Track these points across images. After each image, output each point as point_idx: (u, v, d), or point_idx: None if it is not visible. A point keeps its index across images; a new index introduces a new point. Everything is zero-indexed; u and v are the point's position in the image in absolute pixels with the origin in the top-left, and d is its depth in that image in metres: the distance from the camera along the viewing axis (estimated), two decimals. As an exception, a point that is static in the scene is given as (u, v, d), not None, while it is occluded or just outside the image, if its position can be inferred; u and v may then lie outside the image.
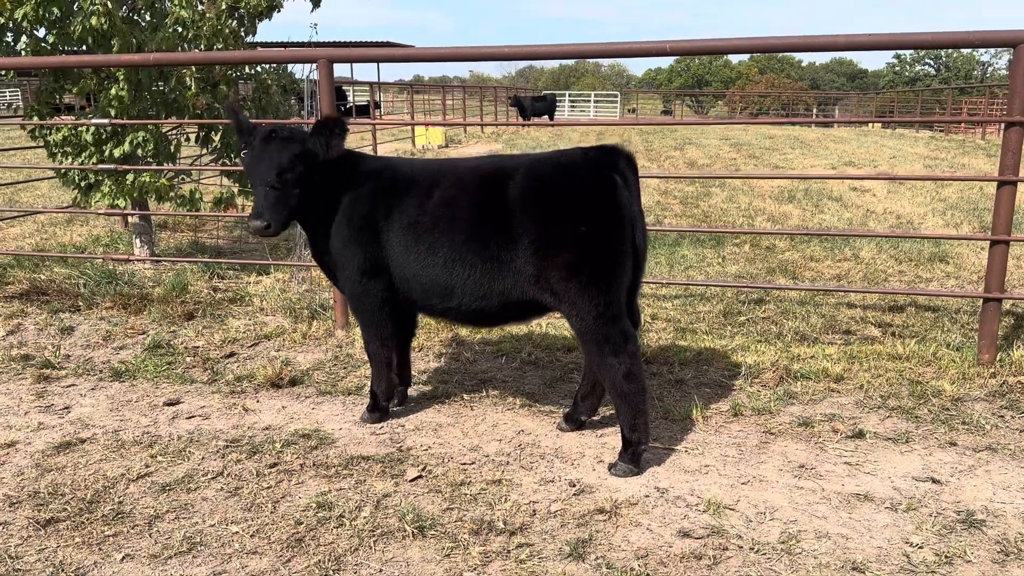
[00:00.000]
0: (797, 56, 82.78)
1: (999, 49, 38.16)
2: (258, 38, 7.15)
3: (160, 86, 6.48)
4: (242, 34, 7.15)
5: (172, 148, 7.19)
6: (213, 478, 3.51)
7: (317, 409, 4.30)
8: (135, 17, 6.34)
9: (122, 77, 6.18)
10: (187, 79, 6.33)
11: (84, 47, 6.20)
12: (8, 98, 48.15)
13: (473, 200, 3.59)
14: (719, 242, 8.54)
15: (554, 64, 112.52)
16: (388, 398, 4.13)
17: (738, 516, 3.22)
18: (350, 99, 35.76)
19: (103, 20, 5.79)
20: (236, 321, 5.80)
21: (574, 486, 3.45)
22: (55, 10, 5.96)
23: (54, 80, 6.83)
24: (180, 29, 6.22)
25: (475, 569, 2.86)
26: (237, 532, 3.07)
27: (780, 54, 76.08)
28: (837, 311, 5.98)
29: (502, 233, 3.48)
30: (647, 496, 3.38)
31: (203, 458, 3.71)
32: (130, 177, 6.67)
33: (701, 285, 6.53)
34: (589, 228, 3.39)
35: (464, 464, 3.65)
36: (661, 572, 2.86)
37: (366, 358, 4.76)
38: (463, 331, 5.43)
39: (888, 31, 4.56)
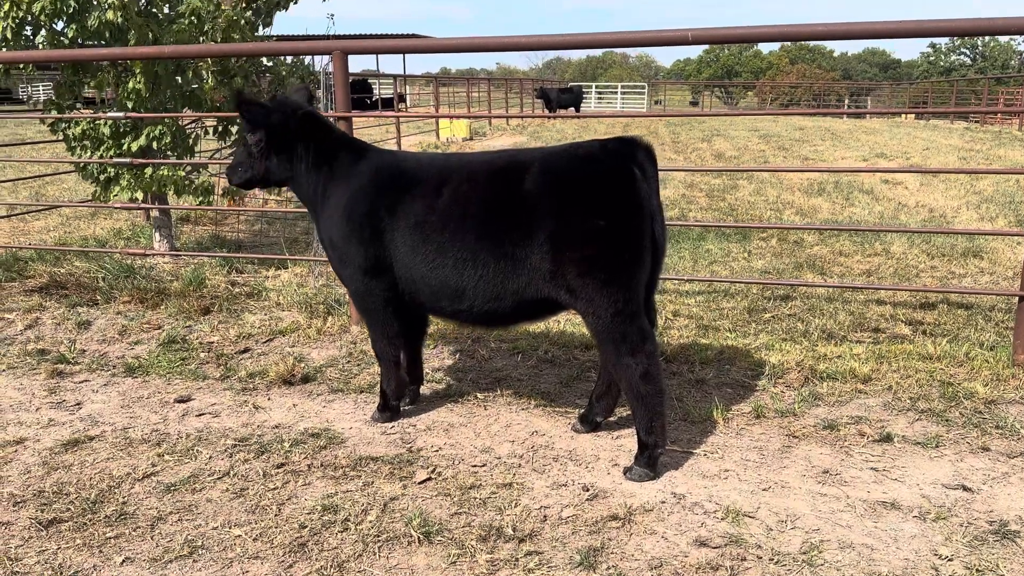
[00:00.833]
0: (828, 46, 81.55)
1: (1038, 37, 37.25)
2: (275, 32, 7.10)
3: (178, 80, 6.43)
4: (259, 26, 7.10)
5: (191, 142, 7.17)
6: (219, 478, 3.45)
7: (328, 407, 4.23)
8: (152, 10, 6.29)
9: (139, 70, 6.14)
10: (204, 72, 6.28)
11: (101, 40, 6.17)
12: (42, 93, 48.86)
13: (485, 196, 3.46)
14: (745, 236, 8.35)
15: (581, 56, 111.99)
16: (398, 397, 4.04)
17: (758, 524, 3.09)
18: (376, 92, 35.82)
19: (118, 13, 5.76)
20: (252, 316, 5.75)
21: (587, 491, 3.34)
22: (72, 3, 5.94)
23: (73, 74, 6.83)
24: (196, 21, 6.17)
25: (482, 578, 2.77)
26: (240, 535, 3.00)
27: (811, 44, 75.02)
28: (866, 308, 5.79)
29: (516, 229, 3.35)
30: (663, 502, 3.26)
31: (210, 457, 3.65)
32: (148, 171, 6.64)
33: (724, 281, 6.37)
34: (607, 222, 3.26)
35: (475, 466, 3.55)
36: (675, 583, 2.74)
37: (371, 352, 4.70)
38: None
39: (921, 18, 4.37)
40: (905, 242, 7.95)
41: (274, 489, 3.35)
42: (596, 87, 50.78)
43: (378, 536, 3.00)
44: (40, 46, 6.18)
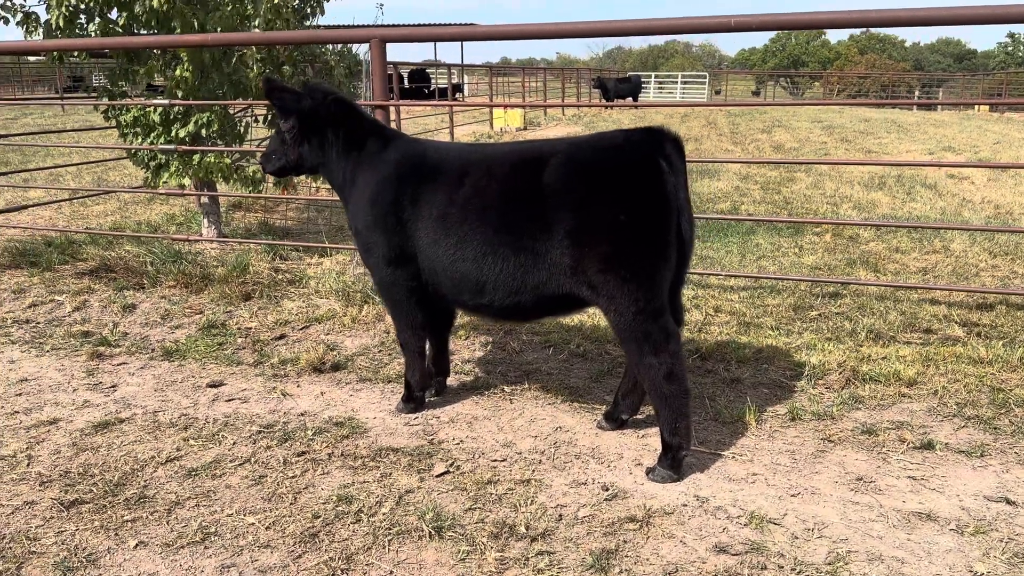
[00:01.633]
0: (900, 35, 78.95)
1: None
2: (325, 21, 7.11)
3: (226, 66, 6.50)
4: (308, 13, 7.13)
5: (240, 129, 7.26)
6: (240, 464, 3.47)
7: (355, 396, 4.22)
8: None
9: (186, 58, 6.23)
10: (249, 60, 6.34)
11: (149, 28, 6.27)
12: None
13: (506, 187, 3.38)
14: (797, 230, 8.10)
15: (643, 45, 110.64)
16: (423, 388, 4.01)
17: (783, 532, 2.97)
18: (434, 81, 35.94)
19: (163, 1, 5.83)
20: (290, 303, 5.80)
21: (607, 490, 3.25)
22: (122, -9, 6.05)
23: (128, 62, 6.96)
24: (239, 8, 6.22)
25: (490, 576, 2.72)
26: (253, 523, 3.01)
27: (882, 34, 72.71)
28: (919, 308, 5.55)
29: (537, 222, 3.27)
30: (685, 505, 3.15)
31: (234, 443, 3.67)
32: (196, 158, 6.74)
33: (768, 278, 6.18)
34: (630, 216, 3.15)
35: (495, 461, 3.50)
36: (689, 591, 2.65)
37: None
38: (513, 319, 5.27)
39: (999, 3, 4.12)
40: (966, 240, 7.60)
41: (292, 477, 3.36)
42: (655, 77, 50.09)
43: (389, 529, 2.97)
44: (93, 34, 6.31)
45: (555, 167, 3.27)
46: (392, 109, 4.90)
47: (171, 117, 6.74)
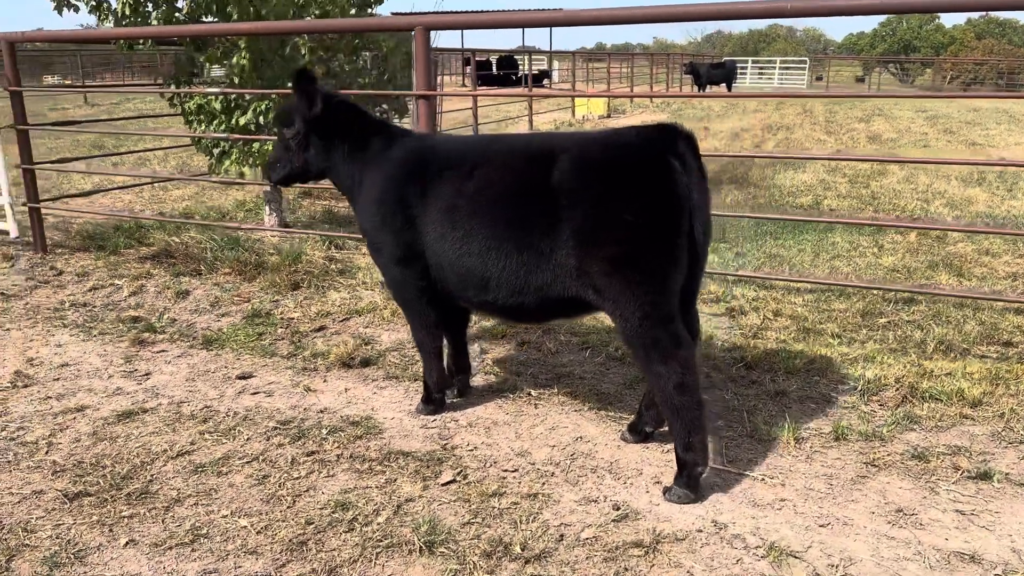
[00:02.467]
0: (1023, 20, 73.93)
1: None
2: (385, 9, 7.06)
3: (281, 54, 6.52)
4: (371, 3, 7.07)
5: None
6: (248, 462, 3.42)
7: (378, 394, 4.13)
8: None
9: (243, 46, 6.26)
10: (302, 48, 6.33)
11: (209, 16, 6.33)
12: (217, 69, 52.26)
13: (514, 183, 3.22)
14: (879, 228, 7.59)
15: (743, 29, 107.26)
16: (441, 389, 3.88)
17: (804, 567, 2.71)
18: (522, 68, 35.78)
19: (219, -10, 5.88)
20: (336, 294, 5.77)
21: (618, 509, 3.05)
22: (182, -20, 6.13)
23: (195, 49, 7.08)
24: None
25: (474, 599, 2.56)
26: (246, 527, 2.94)
27: (1002, 17, 68.32)
28: (1002, 318, 5.07)
29: (543, 220, 3.09)
30: (700, 531, 2.92)
31: (248, 439, 3.63)
32: (256, 145, 6.80)
33: (825, 284, 5.78)
34: (638, 216, 2.94)
35: (505, 471, 3.34)
36: (686, 630, 2.43)
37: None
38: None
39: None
40: (1069, 242, 6.95)
41: (296, 479, 3.28)
42: (753, 62, 48.46)
43: (380, 541, 2.85)
44: (156, 21, 6.42)
45: (564, 163, 3.08)
46: (443, 102, 4.77)
47: (231, 105, 6.81)
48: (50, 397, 4.10)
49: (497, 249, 3.21)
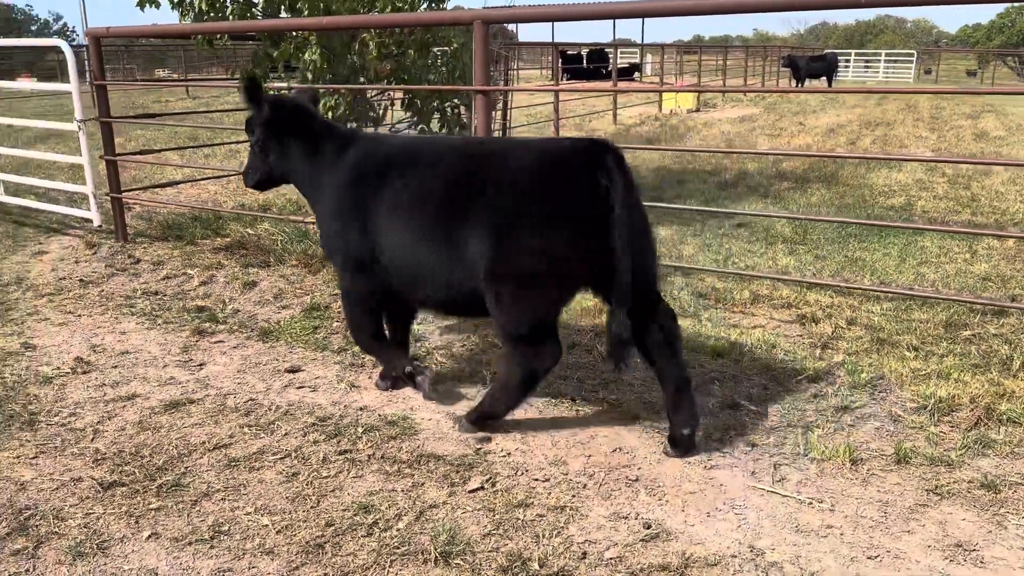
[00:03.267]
0: None
1: None
2: (457, 3, 7.00)
3: (351, 50, 6.56)
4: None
5: (380, 112, 7.33)
6: (281, 458, 3.41)
7: (419, 393, 4.07)
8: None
9: (314, 42, 6.33)
10: (369, 44, 6.34)
11: (281, 11, 6.42)
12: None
13: (447, 184, 3.45)
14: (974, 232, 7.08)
15: (848, 20, 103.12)
16: (397, 369, 4.01)
17: (844, 605, 2.49)
18: (614, 61, 35.28)
19: (290, -15, 5.94)
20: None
21: (648, 528, 2.89)
22: (256, -24, 6.23)
23: (271, 45, 7.21)
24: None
25: (484, 616, 2.46)
26: (267, 525, 2.93)
27: None
28: (1104, 335, 4.62)
29: (463, 220, 3.32)
30: (734, 556, 2.73)
31: (285, 434, 3.63)
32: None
33: (895, 294, 5.40)
34: (543, 229, 3.18)
35: (536, 480, 3.22)
36: (704, 666, 2.26)
37: (495, 343, 4.52)
38: (602, 320, 4.91)
39: None
40: None
41: (324, 478, 3.25)
42: (857, 55, 46.45)
43: (396, 548, 2.78)
44: (231, 17, 6.56)
45: (490, 168, 3.35)
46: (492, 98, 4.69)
47: (304, 100, 6.89)
48: (105, 384, 4.22)
49: (428, 247, 3.42)
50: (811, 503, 3.05)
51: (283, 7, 6.44)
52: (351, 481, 3.23)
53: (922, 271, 6.12)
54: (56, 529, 2.90)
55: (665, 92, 18.03)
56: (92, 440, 3.59)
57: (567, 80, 28.86)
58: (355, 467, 3.34)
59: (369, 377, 4.28)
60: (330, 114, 6.78)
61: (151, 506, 3.05)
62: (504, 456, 3.42)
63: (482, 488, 3.16)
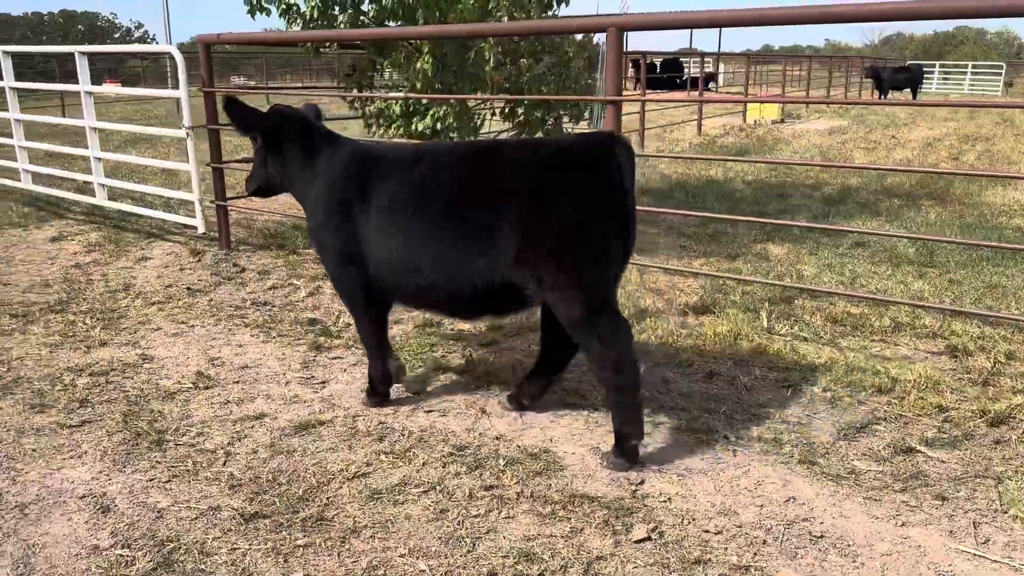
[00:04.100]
0: None
1: None
2: (568, 11, 6.77)
3: (466, 59, 6.37)
4: (553, 4, 6.82)
5: (477, 123, 7.14)
6: (425, 491, 3.20)
7: (556, 422, 3.82)
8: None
9: (426, 50, 6.16)
10: (486, 52, 6.14)
11: (396, 19, 6.27)
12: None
13: (460, 182, 3.51)
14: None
15: (926, 30, 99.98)
16: (384, 383, 4.04)
17: None
18: (688, 71, 34.74)
19: (407, -8, 5.78)
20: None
21: (848, 595, 2.58)
22: (371, -18, 6.09)
23: (376, 53, 7.09)
24: (482, 1, 6.03)
25: None
26: (424, 571, 2.70)
27: None
28: None
29: (488, 217, 3.38)
30: (955, 634, 2.40)
31: (424, 463, 3.42)
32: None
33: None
34: (577, 214, 3.25)
35: (707, 532, 2.93)
36: None
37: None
38: (740, 348, 4.60)
39: None
40: None
41: (476, 516, 3.02)
42: (940, 67, 44.85)
43: (571, 605, 2.53)
44: (342, 25, 6.44)
45: (502, 163, 3.42)
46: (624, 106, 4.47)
47: (411, 110, 6.75)
48: (230, 401, 4.08)
49: (434, 243, 3.46)
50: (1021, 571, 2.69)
51: (394, 16, 6.28)
52: (503, 522, 2.99)
53: (1075, 300, 5.64)
54: (203, 567, 2.73)
55: (752, 102, 17.47)
56: (225, 463, 3.43)
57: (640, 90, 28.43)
58: (504, 506, 3.10)
59: (499, 403, 4.05)
60: (438, 125, 6.61)
61: (298, 542, 2.86)
62: (664, 501, 3.14)
63: (649, 539, 2.89)
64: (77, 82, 7.49)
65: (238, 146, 13.70)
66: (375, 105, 6.91)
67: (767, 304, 5.44)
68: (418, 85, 6.42)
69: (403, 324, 5.28)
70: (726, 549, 2.82)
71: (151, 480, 3.29)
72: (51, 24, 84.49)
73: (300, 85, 31.74)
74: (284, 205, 9.15)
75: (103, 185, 7.81)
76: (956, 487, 3.21)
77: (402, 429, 3.76)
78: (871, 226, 8.19)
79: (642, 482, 3.27)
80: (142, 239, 7.64)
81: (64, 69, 26.94)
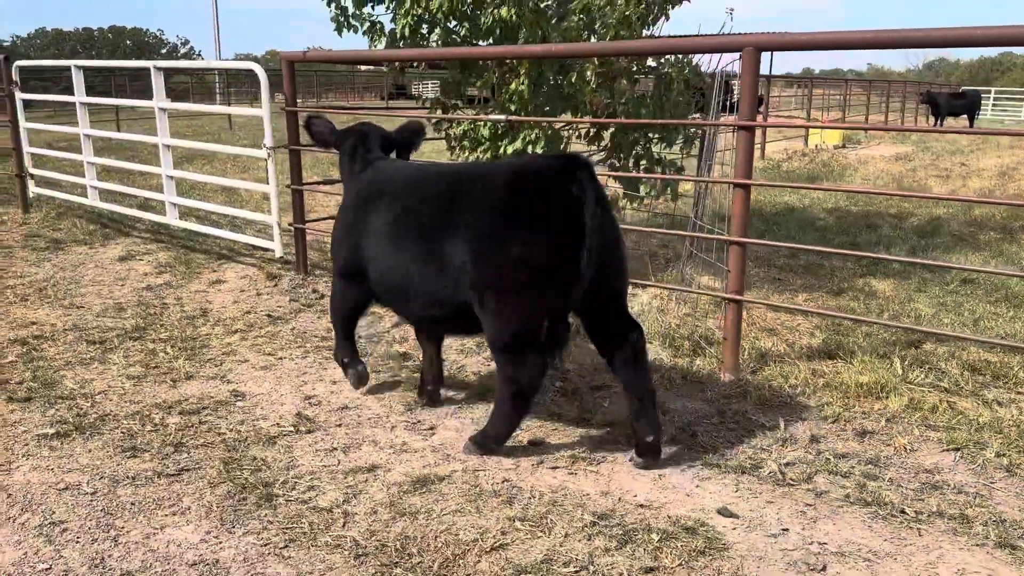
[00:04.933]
0: None
1: None
2: (665, 29, 6.41)
3: (559, 80, 6.03)
4: (652, 22, 6.48)
5: (563, 146, 6.80)
6: (576, 571, 2.81)
7: (702, 487, 3.42)
8: (542, 5, 5.94)
9: (523, 71, 5.84)
10: (588, 73, 5.80)
11: (491, 39, 5.96)
12: (430, 91, 54.51)
13: (435, 205, 3.64)
14: None
15: (972, 55, 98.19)
16: (357, 384, 4.31)
17: None
18: (736, 93, 34.26)
19: (512, 10, 5.45)
20: (611, 344, 5.15)
21: None
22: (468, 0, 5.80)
23: (461, 72, 6.80)
24: (585, 18, 5.70)
25: None
26: (600, 675, 2.32)
27: None
28: None
29: (451, 238, 3.53)
30: None
31: (566, 535, 3.04)
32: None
33: None
34: (525, 239, 3.33)
35: (918, 634, 2.51)
36: None
37: (751, 417, 3.89)
38: (889, 402, 4.16)
39: None
40: None
41: (641, 605, 2.63)
42: (994, 93, 43.86)
43: None
44: (435, 44, 6.15)
45: (477, 186, 3.54)
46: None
47: (499, 132, 6.43)
48: (336, 448, 3.74)
49: (414, 263, 3.63)
50: None
51: (488, 35, 5.97)
52: (675, 613, 2.60)
53: None
54: (347, 661, 2.37)
55: (821, 128, 16.96)
56: (344, 526, 3.08)
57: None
58: (671, 592, 2.70)
59: (630, 460, 3.66)
60: (530, 148, 6.27)
61: (446, 633, 2.49)
62: (856, 591, 2.72)
63: (853, 640, 2.47)
64: (126, 96, 7.29)
65: (311, 168, 13.51)
66: (460, 127, 6.60)
67: (897, 349, 5.00)
68: (512, 107, 6.09)
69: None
70: (951, 660, 2.40)
71: (266, 545, 2.95)
72: (100, 39, 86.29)
73: (385, 105, 31.62)
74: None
75: (174, 204, 7.58)
76: None
77: (531, 490, 3.38)
78: (974, 261, 7.70)
79: (824, 568, 2.85)
80: (212, 260, 7.40)
81: (116, 84, 27.28)
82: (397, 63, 6.57)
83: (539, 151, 6.30)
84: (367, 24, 6.65)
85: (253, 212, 7.63)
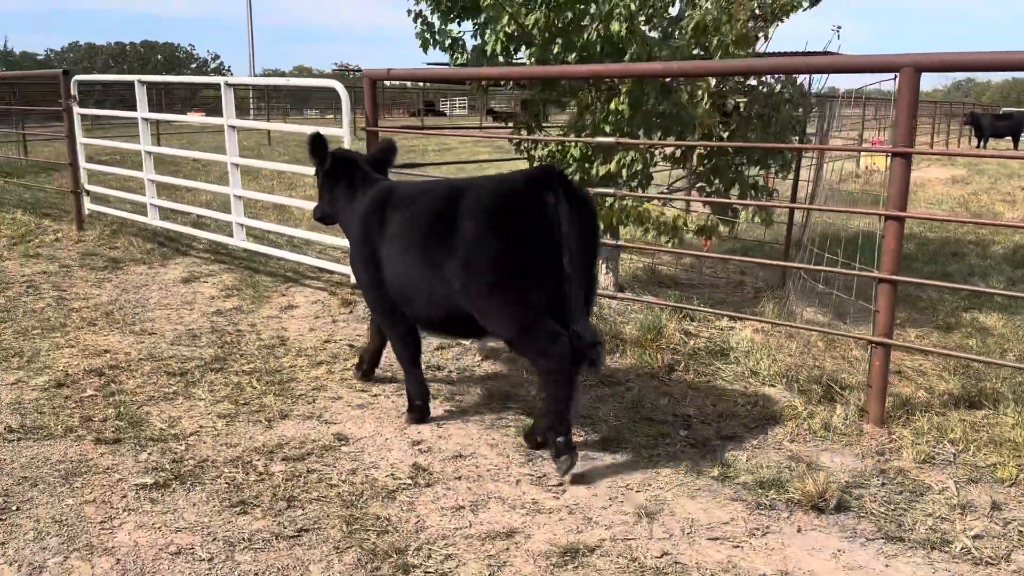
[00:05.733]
0: None
1: None
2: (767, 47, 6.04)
3: (658, 100, 5.66)
4: (752, 39, 6.11)
5: (650, 169, 6.44)
6: (781, 673, 2.42)
7: (892, 566, 3.01)
8: (653, 20, 5.59)
9: (625, 90, 5.49)
10: (700, 92, 5.43)
11: (585, 56, 5.60)
12: (458, 107, 54.29)
13: (431, 217, 3.83)
14: None
15: (1002, 78, 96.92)
16: (421, 398, 4.27)
17: None
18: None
19: (624, 25, 5.10)
20: (726, 384, 4.77)
21: None
22: (568, 14, 5.45)
23: (542, 91, 6.47)
24: (696, 35, 5.34)
25: None
26: None
27: None
28: None
29: (444, 247, 3.74)
30: None
31: (753, 624, 2.65)
32: (608, 200, 6.00)
33: None
34: (505, 245, 3.56)
35: None
36: None
37: (917, 477, 3.48)
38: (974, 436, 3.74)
39: None
40: None
41: None
42: (1034, 114, 43.03)
43: None
44: (529, 62, 5.81)
45: (466, 199, 3.72)
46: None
47: (589, 154, 6.08)
48: (463, 507, 3.37)
49: (416, 272, 3.86)
50: None
51: (586, 50, 5.62)
52: None
53: None
54: None
55: (871, 153, 16.46)
56: (500, 609, 2.71)
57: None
58: None
59: (798, 531, 3.26)
60: (624, 172, 5.91)
61: None
62: None
63: None
64: (160, 110, 7.02)
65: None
66: (548, 148, 6.25)
67: (1045, 397, 4.57)
68: (607, 128, 5.74)
69: (609, 404, 4.54)
70: None
71: (415, 630, 2.58)
72: (132, 53, 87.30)
73: (468, 126, 31.31)
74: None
75: (241, 224, 7.28)
76: None
77: (696, 567, 2.99)
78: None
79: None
80: (279, 283, 7.09)
81: (149, 99, 27.17)
82: (483, 81, 6.24)
83: (635, 171, 5.95)
84: (449, 40, 6.36)
85: (320, 234, 7.32)
